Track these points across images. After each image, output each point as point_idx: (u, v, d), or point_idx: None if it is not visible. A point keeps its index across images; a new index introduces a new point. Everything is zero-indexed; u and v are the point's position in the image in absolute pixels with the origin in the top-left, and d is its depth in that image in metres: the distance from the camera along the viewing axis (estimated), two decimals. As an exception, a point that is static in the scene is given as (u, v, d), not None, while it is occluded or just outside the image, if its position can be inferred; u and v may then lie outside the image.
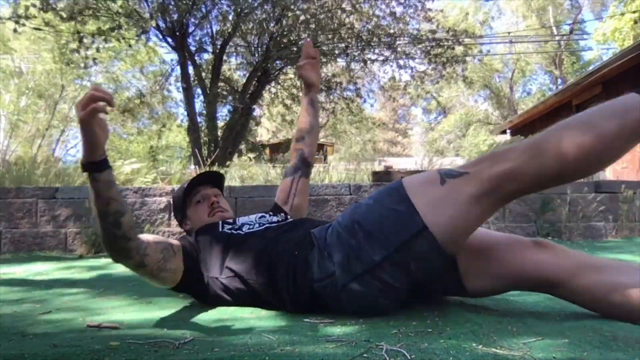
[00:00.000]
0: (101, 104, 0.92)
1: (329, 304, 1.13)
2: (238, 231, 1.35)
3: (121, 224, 1.04)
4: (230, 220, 1.44)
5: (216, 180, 1.64)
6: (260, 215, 1.48)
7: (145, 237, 1.18)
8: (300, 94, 8.64)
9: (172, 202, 1.72)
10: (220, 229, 1.38)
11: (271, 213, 1.51)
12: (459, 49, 7.67)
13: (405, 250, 1.01)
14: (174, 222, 3.39)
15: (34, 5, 5.99)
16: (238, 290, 1.25)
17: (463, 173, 0.99)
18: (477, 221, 1.04)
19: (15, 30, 6.23)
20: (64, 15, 6.16)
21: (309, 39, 1.73)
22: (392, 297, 1.09)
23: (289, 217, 1.51)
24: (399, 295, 1.10)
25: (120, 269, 1.31)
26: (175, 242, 1.29)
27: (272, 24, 6.63)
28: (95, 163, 0.98)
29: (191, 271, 1.27)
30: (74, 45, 6.83)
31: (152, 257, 1.15)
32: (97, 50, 6.88)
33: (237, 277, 1.25)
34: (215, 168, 4.73)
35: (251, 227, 1.37)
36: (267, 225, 1.38)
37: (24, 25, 6.13)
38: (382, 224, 1.03)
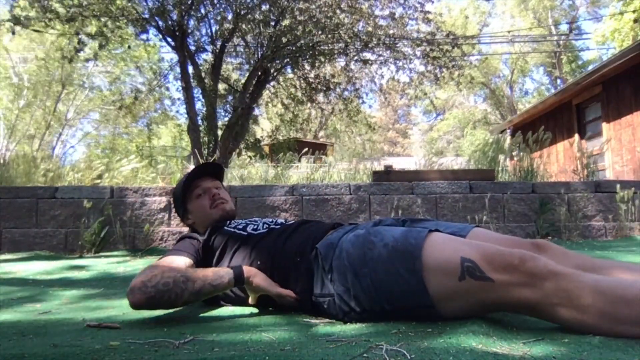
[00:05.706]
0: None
1: (327, 314, 1.15)
2: (241, 231, 1.37)
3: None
4: (237, 220, 1.47)
5: (215, 171, 1.65)
6: (264, 217, 1.51)
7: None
8: (299, 93, 8.63)
9: (172, 198, 1.71)
10: (224, 227, 1.41)
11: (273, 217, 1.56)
12: (457, 52, 7.67)
13: (405, 312, 1.03)
14: (174, 221, 3.38)
15: (32, 5, 5.98)
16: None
17: (487, 279, 0.93)
18: (481, 312, 1.03)
19: (13, 32, 6.23)
20: (63, 19, 6.16)
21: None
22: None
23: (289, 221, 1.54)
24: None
25: (119, 269, 1.31)
26: (188, 262, 1.27)
27: (271, 24, 6.62)
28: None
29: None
30: (75, 46, 6.83)
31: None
32: (100, 46, 6.86)
33: None
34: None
35: (255, 227, 1.39)
36: (272, 227, 1.39)
37: (22, 26, 6.14)
38: (389, 282, 1.03)
